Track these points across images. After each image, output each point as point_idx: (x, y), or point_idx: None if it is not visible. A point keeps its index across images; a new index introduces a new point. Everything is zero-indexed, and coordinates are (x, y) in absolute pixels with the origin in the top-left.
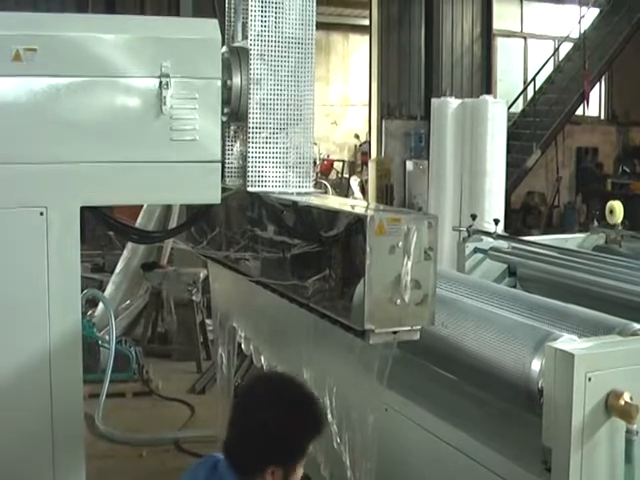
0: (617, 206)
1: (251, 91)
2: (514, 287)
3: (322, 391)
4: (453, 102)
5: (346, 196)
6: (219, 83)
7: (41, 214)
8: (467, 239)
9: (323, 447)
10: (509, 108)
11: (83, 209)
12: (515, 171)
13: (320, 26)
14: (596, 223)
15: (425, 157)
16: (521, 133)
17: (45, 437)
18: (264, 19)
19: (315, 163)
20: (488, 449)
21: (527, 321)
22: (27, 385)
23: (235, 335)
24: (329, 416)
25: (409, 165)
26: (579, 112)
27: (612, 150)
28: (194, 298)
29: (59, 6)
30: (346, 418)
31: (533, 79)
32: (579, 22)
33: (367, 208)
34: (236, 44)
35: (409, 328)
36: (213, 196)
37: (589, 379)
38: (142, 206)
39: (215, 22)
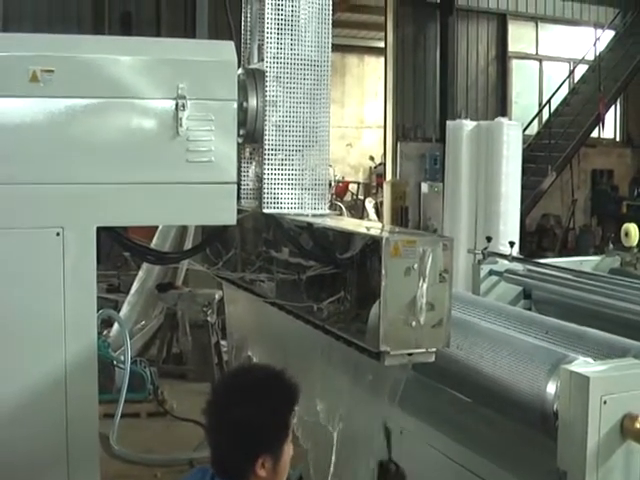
0: (633, 229)
1: (267, 113)
2: (529, 310)
3: (333, 424)
4: (468, 124)
5: (361, 218)
6: (235, 105)
7: (57, 234)
8: (482, 261)
9: None
10: (524, 130)
11: (99, 230)
12: (530, 193)
13: (335, 48)
14: (611, 246)
15: (440, 179)
16: (536, 155)
17: (60, 456)
18: (280, 41)
19: (330, 185)
20: (503, 472)
21: (542, 344)
22: (43, 404)
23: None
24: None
25: (424, 187)
26: (594, 134)
27: (628, 173)
28: (209, 319)
29: (76, 28)
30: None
31: (548, 101)
32: (594, 44)
33: (382, 230)
34: (252, 66)
35: (424, 350)
36: (229, 217)
37: (604, 402)
38: (157, 227)
39: (231, 44)
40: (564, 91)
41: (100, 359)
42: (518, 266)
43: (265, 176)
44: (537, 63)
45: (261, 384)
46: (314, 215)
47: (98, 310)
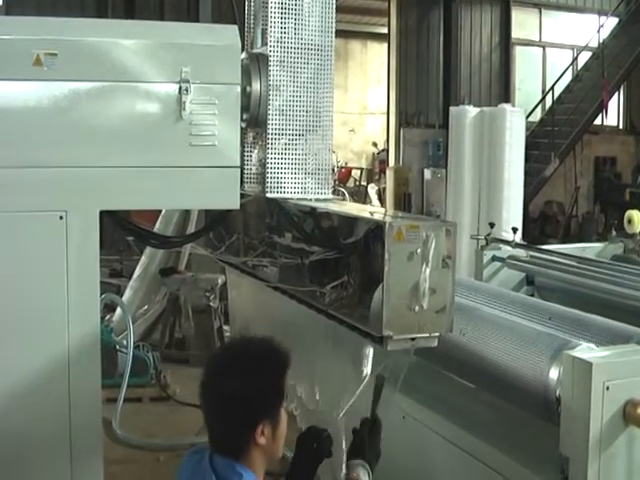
0: (635, 215)
1: (270, 97)
2: (532, 296)
3: (337, 411)
4: (471, 111)
5: (364, 204)
6: (238, 89)
7: (60, 218)
8: (485, 247)
9: None
10: (527, 117)
11: (102, 213)
12: (533, 180)
13: (339, 33)
14: (614, 232)
15: (443, 166)
16: (539, 142)
17: (63, 441)
18: (284, 25)
19: (333, 171)
20: (505, 457)
21: (545, 330)
22: (46, 389)
23: None
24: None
25: (427, 173)
26: (597, 122)
27: (630, 160)
28: (212, 304)
29: (79, 11)
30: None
31: (551, 88)
32: (598, 31)
33: (386, 215)
34: (255, 50)
35: (427, 335)
36: (232, 201)
37: (607, 388)
38: (160, 211)
39: (235, 28)
40: (567, 78)
41: (103, 344)
42: (521, 252)
43: (268, 160)
44: (540, 50)
45: (251, 354)
46: (317, 200)
47: (101, 295)
